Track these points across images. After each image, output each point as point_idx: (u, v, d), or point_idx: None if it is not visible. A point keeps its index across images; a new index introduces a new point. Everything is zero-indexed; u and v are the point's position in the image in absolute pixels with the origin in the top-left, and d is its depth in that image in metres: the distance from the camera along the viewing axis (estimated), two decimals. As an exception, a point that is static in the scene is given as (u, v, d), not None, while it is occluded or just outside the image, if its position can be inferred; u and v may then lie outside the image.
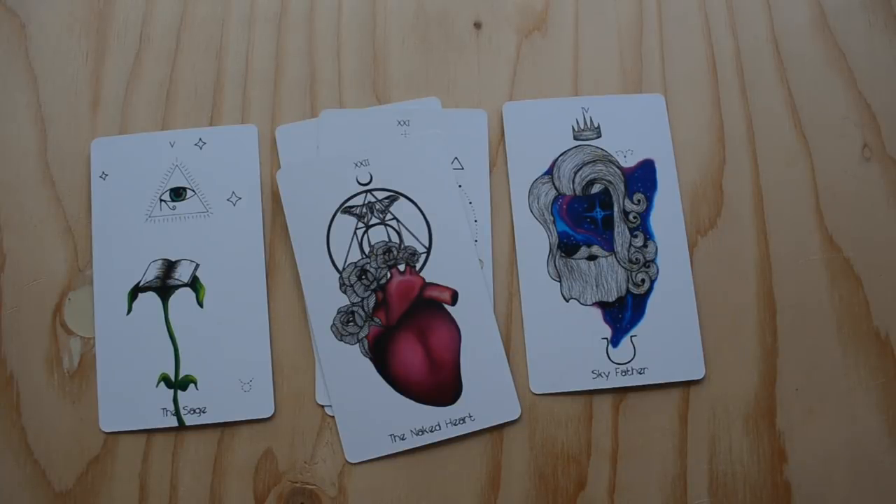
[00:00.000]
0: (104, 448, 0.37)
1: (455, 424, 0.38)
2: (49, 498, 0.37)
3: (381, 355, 0.38)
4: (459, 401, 0.38)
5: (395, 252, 0.39)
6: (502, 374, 0.38)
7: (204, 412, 0.37)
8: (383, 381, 0.38)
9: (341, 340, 0.38)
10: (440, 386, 0.38)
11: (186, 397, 0.38)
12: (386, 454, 0.37)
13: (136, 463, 0.37)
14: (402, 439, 0.37)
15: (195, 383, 0.38)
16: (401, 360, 0.38)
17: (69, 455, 0.37)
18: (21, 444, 0.37)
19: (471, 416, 0.38)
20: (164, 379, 0.38)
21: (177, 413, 0.37)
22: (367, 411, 0.38)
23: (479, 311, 0.39)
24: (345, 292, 0.38)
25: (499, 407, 0.38)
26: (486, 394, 0.38)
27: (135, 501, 0.37)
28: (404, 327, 0.38)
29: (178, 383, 0.38)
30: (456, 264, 0.39)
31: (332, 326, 0.38)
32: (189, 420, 0.37)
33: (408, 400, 0.38)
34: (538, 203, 0.40)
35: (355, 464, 0.37)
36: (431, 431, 0.38)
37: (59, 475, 0.37)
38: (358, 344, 0.38)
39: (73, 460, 0.37)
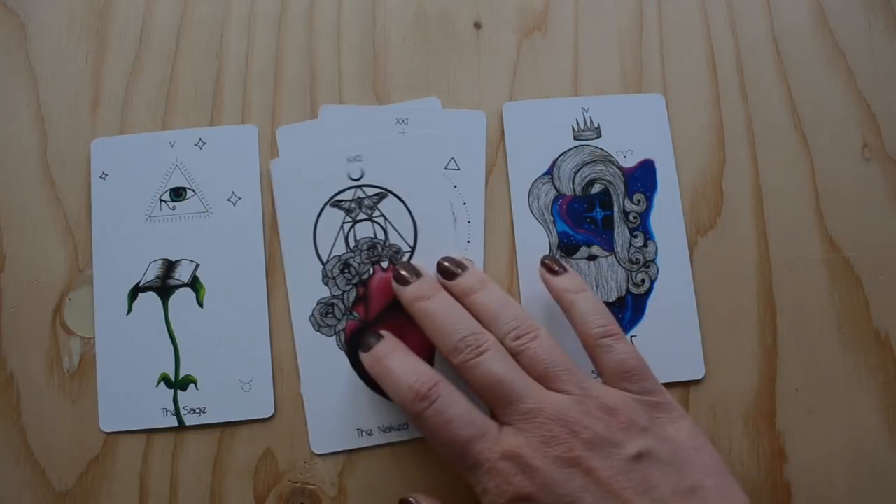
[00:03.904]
0: (104, 448, 0.37)
1: None
2: (49, 498, 0.37)
3: (356, 349, 0.38)
4: None
5: (380, 249, 0.39)
6: None
7: (204, 412, 0.37)
8: (356, 375, 0.38)
9: (318, 331, 0.38)
10: None
11: (186, 397, 0.38)
12: (351, 448, 0.37)
13: (136, 463, 0.37)
14: (369, 435, 0.37)
15: (195, 383, 0.38)
16: None
17: (69, 455, 0.37)
18: (21, 444, 0.37)
19: None
20: (164, 379, 0.38)
21: (177, 413, 0.37)
22: (337, 403, 0.38)
23: None
24: (326, 284, 0.38)
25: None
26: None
27: (135, 501, 0.37)
28: (382, 324, 0.38)
29: (178, 383, 0.38)
30: None
31: (310, 317, 0.38)
32: (189, 420, 0.37)
33: (378, 396, 0.38)
34: (538, 203, 0.40)
35: (320, 454, 0.37)
36: (398, 430, 0.38)
37: (59, 475, 0.37)
38: (335, 336, 0.38)
39: (73, 460, 0.37)
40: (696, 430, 0.33)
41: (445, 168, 0.40)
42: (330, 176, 0.39)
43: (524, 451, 0.31)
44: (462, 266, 0.37)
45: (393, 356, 0.34)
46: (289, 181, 0.39)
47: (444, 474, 0.38)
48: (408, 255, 0.39)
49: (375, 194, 0.39)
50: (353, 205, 0.39)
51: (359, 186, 0.39)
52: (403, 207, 0.39)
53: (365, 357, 0.35)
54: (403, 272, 0.36)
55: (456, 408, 0.32)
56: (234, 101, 0.41)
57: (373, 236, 0.39)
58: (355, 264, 0.38)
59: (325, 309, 0.38)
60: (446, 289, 0.36)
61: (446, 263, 0.37)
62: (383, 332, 0.36)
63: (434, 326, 0.34)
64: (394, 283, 0.36)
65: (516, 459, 0.31)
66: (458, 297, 0.36)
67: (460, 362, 0.33)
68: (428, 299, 0.35)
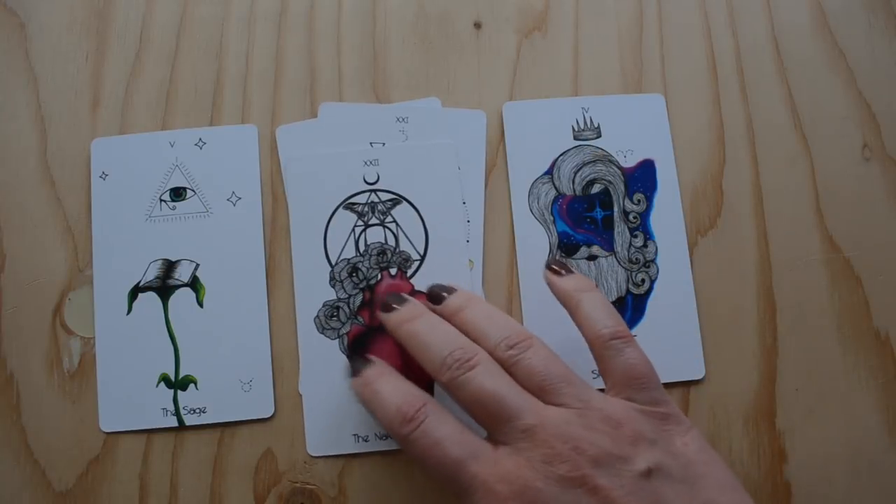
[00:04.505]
0: (104, 448, 0.37)
1: None
2: (49, 498, 0.37)
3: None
4: None
5: (389, 255, 0.39)
6: None
7: (204, 412, 0.37)
8: None
9: (322, 333, 0.38)
10: None
11: (186, 397, 0.38)
12: (347, 453, 0.37)
13: (136, 463, 0.37)
14: (366, 441, 0.37)
15: (195, 383, 0.38)
16: None
17: (69, 455, 0.37)
18: (21, 444, 0.37)
19: None
20: (164, 379, 0.38)
21: (177, 413, 0.37)
22: (335, 407, 0.38)
23: None
24: (333, 287, 0.38)
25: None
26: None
27: (135, 501, 0.37)
28: (385, 332, 0.38)
29: (178, 383, 0.38)
30: (447, 277, 0.38)
31: (315, 318, 0.38)
32: (189, 420, 0.37)
33: None
34: (538, 203, 0.40)
35: (315, 456, 0.37)
36: None
37: (59, 475, 0.37)
38: (338, 339, 0.38)
39: (73, 460, 0.37)
40: (704, 442, 0.32)
41: (445, 168, 0.40)
42: (345, 178, 0.39)
43: (524, 473, 0.29)
44: (450, 290, 0.35)
45: (381, 380, 0.32)
46: (304, 181, 0.39)
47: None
48: (417, 263, 0.39)
49: (389, 200, 0.39)
50: (366, 209, 0.39)
51: (373, 191, 0.39)
52: (416, 216, 0.39)
53: (353, 382, 0.33)
54: (389, 301, 0.34)
55: (445, 428, 0.30)
56: (234, 101, 0.41)
57: (383, 242, 0.39)
58: (363, 269, 0.38)
59: (331, 311, 0.38)
60: (435, 314, 0.34)
61: (434, 289, 0.35)
62: (372, 358, 0.34)
63: (420, 346, 0.32)
64: (379, 314, 0.35)
65: (515, 481, 0.29)
66: (447, 318, 0.34)
67: (449, 380, 0.31)
68: (412, 321, 0.33)
